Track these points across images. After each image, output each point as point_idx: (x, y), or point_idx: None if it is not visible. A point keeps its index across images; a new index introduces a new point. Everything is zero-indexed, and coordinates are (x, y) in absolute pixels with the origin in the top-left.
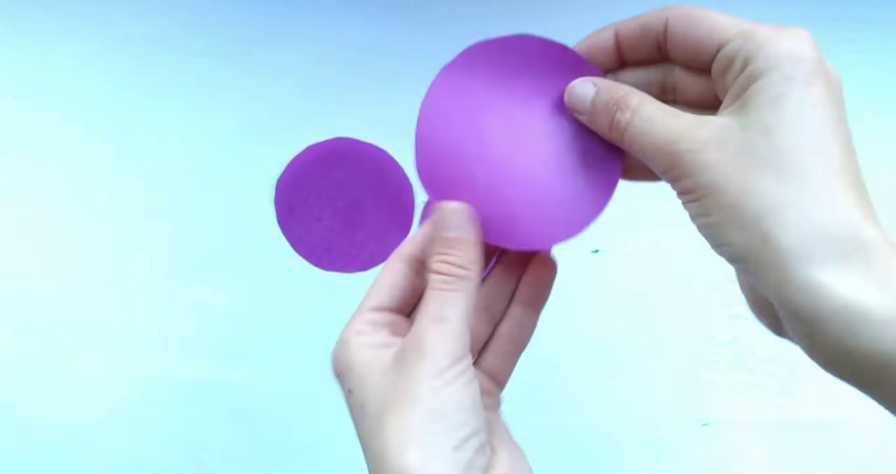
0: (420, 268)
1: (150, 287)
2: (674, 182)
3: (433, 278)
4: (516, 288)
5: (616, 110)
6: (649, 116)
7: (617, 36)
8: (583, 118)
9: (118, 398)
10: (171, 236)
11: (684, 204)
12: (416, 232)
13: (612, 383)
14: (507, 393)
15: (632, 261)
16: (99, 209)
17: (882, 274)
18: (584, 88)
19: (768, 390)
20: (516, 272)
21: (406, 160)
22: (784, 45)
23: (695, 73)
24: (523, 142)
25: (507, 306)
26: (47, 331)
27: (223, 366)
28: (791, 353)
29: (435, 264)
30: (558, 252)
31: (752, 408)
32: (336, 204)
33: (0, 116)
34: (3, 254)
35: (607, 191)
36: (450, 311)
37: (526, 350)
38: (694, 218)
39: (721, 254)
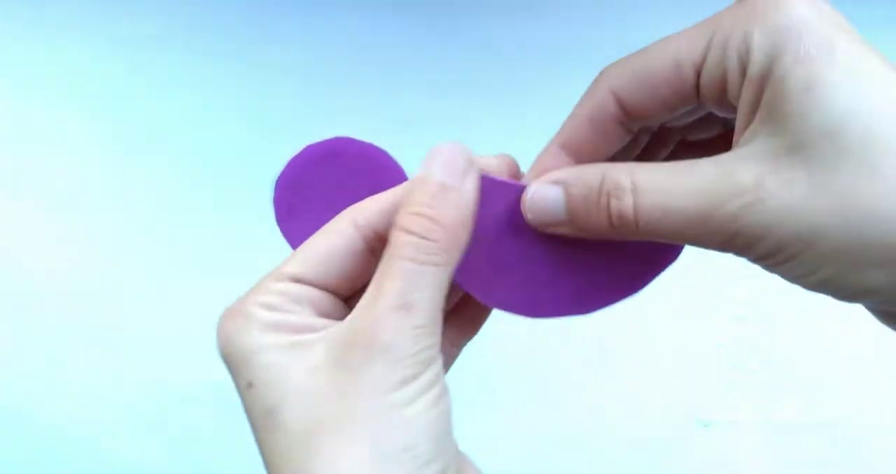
0: (378, 243)
1: (150, 287)
2: (741, 251)
3: (400, 240)
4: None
5: (608, 200)
6: (657, 187)
7: (567, 150)
8: (562, 230)
9: (118, 398)
10: (171, 236)
11: (770, 269)
12: (388, 191)
13: (613, 383)
14: (506, 393)
15: None
16: (99, 209)
17: None
18: (548, 192)
19: (768, 390)
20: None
21: (406, 160)
22: (774, 21)
23: (672, 121)
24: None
25: None
26: (47, 332)
27: (222, 366)
28: (791, 354)
29: (406, 218)
30: None
31: (752, 408)
32: (336, 204)
33: (0, 115)
34: (3, 254)
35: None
36: (419, 294)
37: (526, 350)
38: (798, 279)
39: (863, 300)
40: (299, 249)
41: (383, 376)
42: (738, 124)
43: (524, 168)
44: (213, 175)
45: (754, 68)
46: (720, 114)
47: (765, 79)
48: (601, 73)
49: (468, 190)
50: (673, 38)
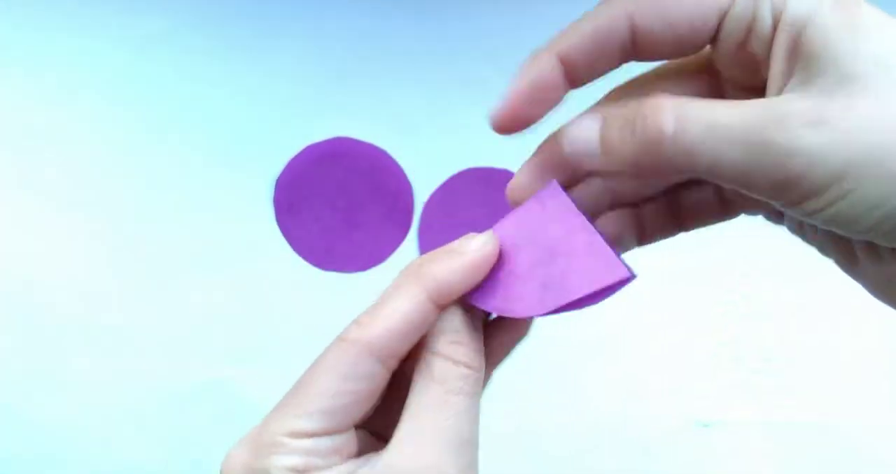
0: (397, 363)
1: (150, 287)
2: (788, 187)
3: (449, 371)
4: None
5: (645, 119)
6: (702, 107)
7: (563, 60)
8: (595, 162)
9: (118, 398)
10: (171, 236)
11: (818, 213)
12: (387, 306)
13: (612, 383)
14: (507, 394)
15: (631, 261)
16: (99, 208)
17: None
18: (585, 124)
19: (768, 390)
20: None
21: (406, 160)
22: None
23: (681, 79)
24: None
25: None
26: (47, 332)
27: (222, 366)
28: (791, 353)
29: (453, 351)
30: None
31: (752, 408)
32: (335, 204)
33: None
34: (2, 253)
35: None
36: (469, 430)
37: (526, 350)
38: (850, 223)
39: None
40: (312, 390)
41: None
42: (774, 73)
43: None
44: (212, 174)
45: (792, 12)
46: (727, 67)
47: (804, 24)
48: None
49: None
50: None
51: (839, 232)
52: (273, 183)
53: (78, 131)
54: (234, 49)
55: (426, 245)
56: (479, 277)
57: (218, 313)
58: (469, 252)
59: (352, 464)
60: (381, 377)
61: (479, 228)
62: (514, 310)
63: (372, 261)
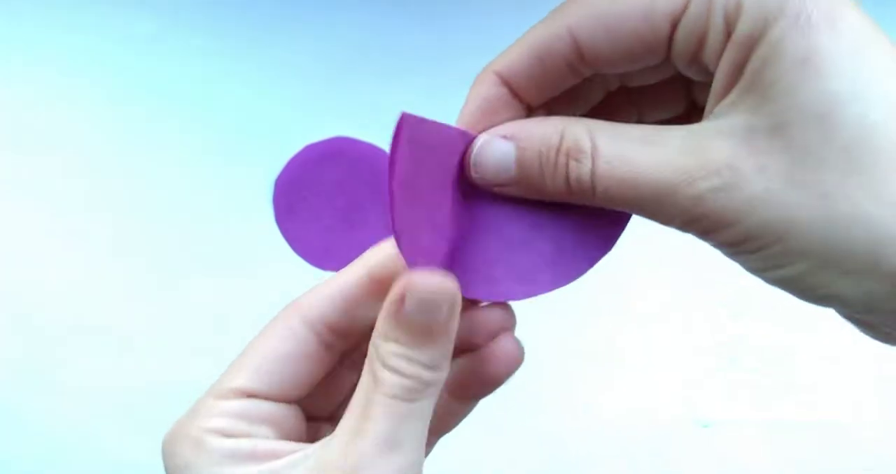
0: (332, 337)
1: (150, 287)
2: (706, 235)
3: (386, 378)
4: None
5: (567, 161)
6: (618, 153)
7: (505, 79)
8: (510, 190)
9: (117, 398)
10: (170, 236)
11: (732, 257)
12: (333, 278)
13: (613, 384)
14: (507, 394)
15: (631, 261)
16: (98, 208)
17: None
18: (497, 147)
19: (768, 390)
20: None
21: None
22: None
23: (661, 87)
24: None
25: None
26: (45, 332)
27: (221, 366)
28: (791, 353)
29: (391, 359)
30: None
31: (752, 408)
32: (335, 204)
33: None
34: (2, 253)
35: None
36: (406, 433)
37: (526, 350)
38: (760, 272)
39: (826, 305)
40: (244, 355)
41: None
42: (715, 89)
43: None
44: (211, 174)
45: (743, 28)
46: (689, 75)
47: (753, 42)
48: (559, 7)
49: (453, 325)
50: None
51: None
52: (272, 182)
53: (78, 131)
54: (234, 49)
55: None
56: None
57: (217, 313)
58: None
59: (280, 444)
60: (311, 344)
61: None
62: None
63: None
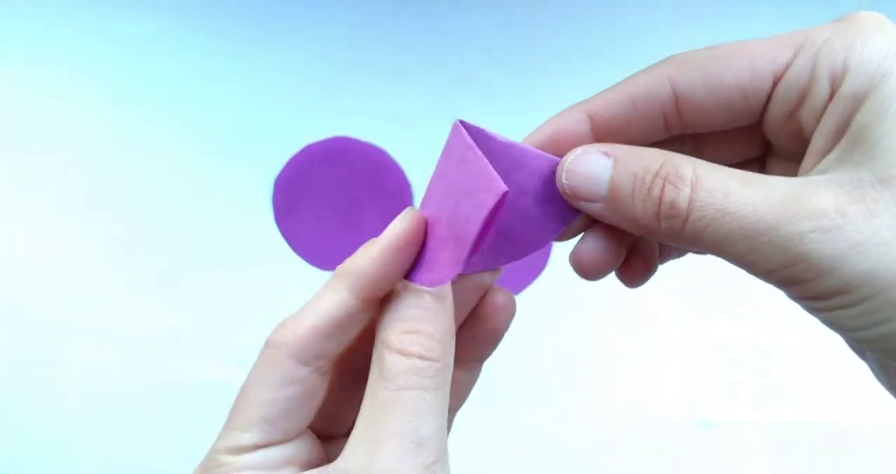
0: (327, 363)
1: (149, 287)
2: (795, 283)
3: (399, 365)
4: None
5: (663, 186)
6: (721, 186)
7: (592, 117)
8: (594, 207)
9: (117, 398)
10: (170, 235)
11: (819, 312)
12: (309, 306)
13: (613, 384)
14: (508, 394)
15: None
16: (98, 208)
17: None
18: (594, 161)
19: (768, 390)
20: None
21: (406, 160)
22: (876, 42)
23: (727, 137)
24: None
25: None
26: (45, 332)
27: (221, 366)
28: (791, 354)
29: (405, 341)
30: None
31: (752, 408)
32: (335, 203)
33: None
34: (2, 253)
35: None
36: (430, 427)
37: (526, 350)
38: (849, 329)
39: None
40: (246, 405)
41: None
42: (815, 147)
43: None
44: (211, 174)
45: (850, 86)
46: (773, 136)
47: (860, 100)
48: (666, 59)
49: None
50: (752, 43)
51: (838, 333)
52: (272, 182)
53: (78, 131)
54: (234, 49)
55: None
56: (399, 259)
57: (218, 313)
58: (383, 237)
59: None
60: (312, 380)
61: None
62: (439, 277)
63: None
